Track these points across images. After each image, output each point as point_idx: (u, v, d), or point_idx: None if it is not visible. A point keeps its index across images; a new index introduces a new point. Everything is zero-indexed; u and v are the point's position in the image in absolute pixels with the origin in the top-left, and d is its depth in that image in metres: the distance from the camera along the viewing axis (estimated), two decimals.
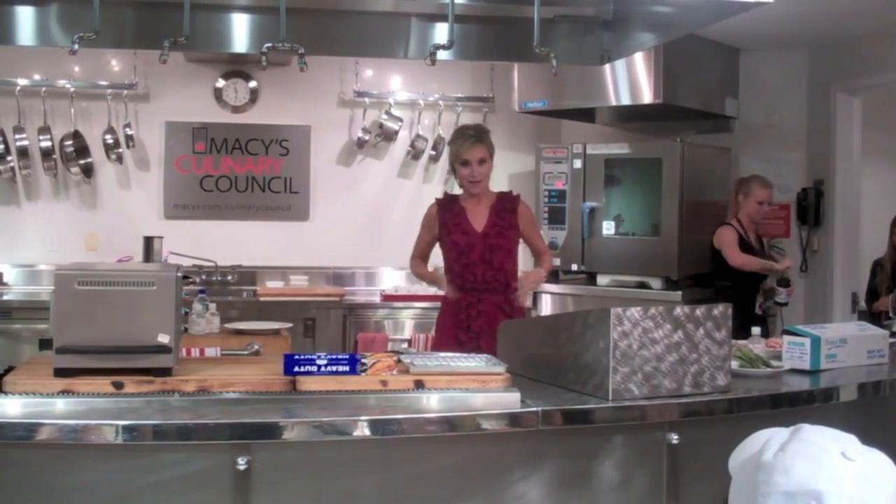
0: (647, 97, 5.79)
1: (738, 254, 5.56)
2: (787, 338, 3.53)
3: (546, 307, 6.26)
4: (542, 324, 4.16)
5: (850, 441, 1.31)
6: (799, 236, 6.44)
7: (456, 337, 4.14)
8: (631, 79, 5.84)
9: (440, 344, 4.21)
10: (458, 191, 4.40)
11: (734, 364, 3.26)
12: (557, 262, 6.30)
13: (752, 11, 3.56)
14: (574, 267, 6.28)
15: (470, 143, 4.15)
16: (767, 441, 1.37)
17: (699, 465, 2.91)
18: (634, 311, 2.88)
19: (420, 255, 4.43)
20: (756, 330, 4.03)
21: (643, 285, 6.00)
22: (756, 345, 3.78)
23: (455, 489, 2.78)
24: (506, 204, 4.26)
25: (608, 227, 6.17)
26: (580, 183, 6.24)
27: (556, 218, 6.33)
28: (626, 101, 5.93)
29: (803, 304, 6.40)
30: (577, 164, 6.25)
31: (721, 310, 3.03)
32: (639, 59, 5.71)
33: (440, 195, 4.44)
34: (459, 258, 4.18)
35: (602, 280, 6.18)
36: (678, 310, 2.96)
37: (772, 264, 5.54)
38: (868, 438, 1.35)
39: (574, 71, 5.53)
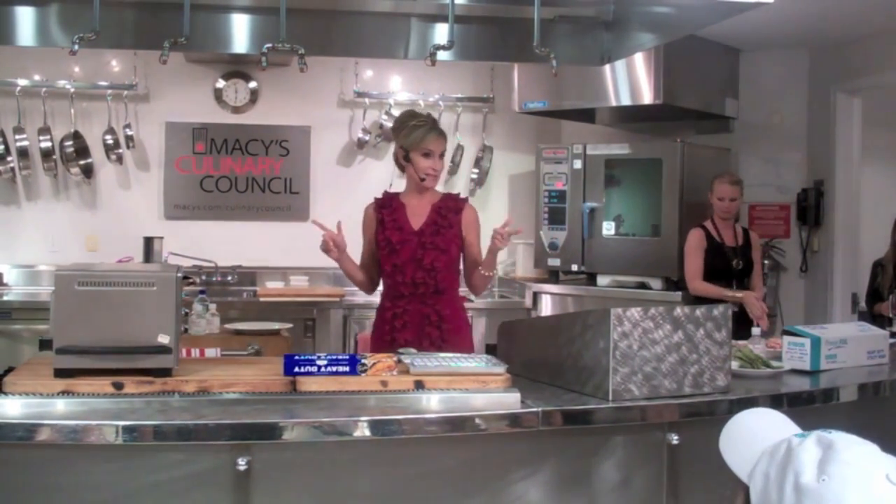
0: (647, 97, 5.80)
1: (699, 280, 5.40)
2: (787, 338, 3.53)
3: (546, 308, 6.26)
4: (543, 324, 4.16)
5: (880, 456, 1.31)
6: (799, 236, 6.45)
7: (381, 351, 3.59)
8: (631, 79, 5.84)
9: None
10: (397, 189, 4.10)
11: (734, 364, 3.26)
12: (557, 262, 6.31)
13: (753, 12, 3.55)
14: (574, 267, 6.28)
15: (435, 134, 3.85)
16: (792, 452, 1.34)
17: (699, 465, 2.90)
18: (634, 312, 2.88)
19: (364, 267, 4.00)
20: (756, 330, 4.04)
21: (643, 286, 6.00)
22: (756, 345, 3.78)
23: (455, 489, 2.78)
24: (450, 204, 3.93)
25: (608, 228, 6.16)
26: (580, 183, 6.24)
27: (556, 218, 6.33)
28: (626, 101, 5.93)
29: (803, 305, 6.41)
30: (578, 164, 6.25)
31: (721, 310, 3.03)
32: (639, 59, 5.72)
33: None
34: (390, 256, 3.84)
35: (602, 280, 6.18)
36: (678, 310, 2.96)
37: (732, 295, 5.16)
38: (868, 439, 1.35)
39: (574, 71, 5.54)
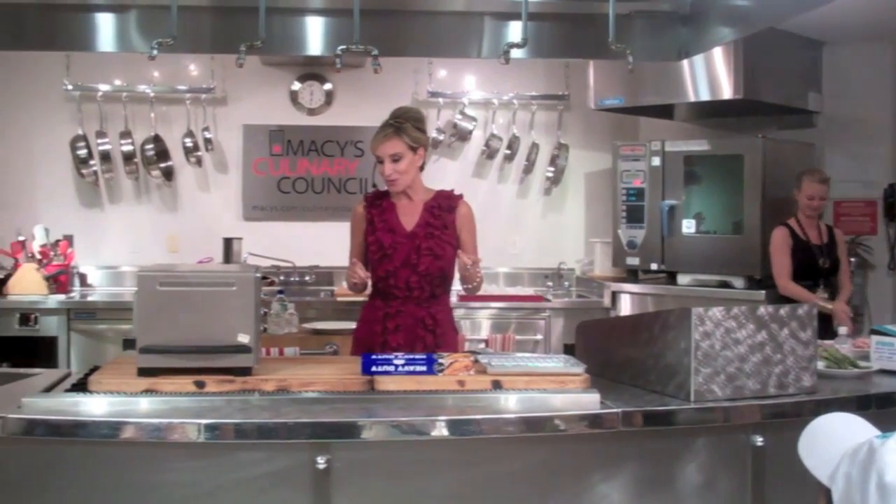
0: (726, 92, 5.70)
1: (787, 279, 5.35)
2: (875, 338, 3.43)
3: (625, 307, 6.19)
4: (622, 324, 4.10)
5: None
6: (886, 233, 6.27)
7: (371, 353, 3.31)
8: (710, 74, 5.75)
9: None
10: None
11: (820, 365, 3.19)
12: (636, 261, 6.24)
13: (836, 3, 3.47)
14: (654, 266, 6.21)
15: (381, 137, 3.62)
16: (874, 452, 1.33)
17: (785, 467, 2.83)
18: (716, 311, 2.82)
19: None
20: (842, 330, 3.93)
21: (725, 284, 5.90)
22: (843, 345, 3.68)
23: (534, 491, 2.75)
24: (443, 202, 3.73)
25: (688, 226, 6.08)
26: (659, 181, 6.16)
27: (634, 216, 6.26)
28: (705, 96, 5.84)
29: (892, 303, 6.23)
30: (656, 161, 6.18)
31: (806, 309, 2.96)
32: (718, 53, 5.62)
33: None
34: (382, 261, 3.65)
35: (683, 279, 6.09)
36: (761, 309, 2.89)
37: (823, 306, 4.97)
38: None
39: (651, 67, 5.47)
